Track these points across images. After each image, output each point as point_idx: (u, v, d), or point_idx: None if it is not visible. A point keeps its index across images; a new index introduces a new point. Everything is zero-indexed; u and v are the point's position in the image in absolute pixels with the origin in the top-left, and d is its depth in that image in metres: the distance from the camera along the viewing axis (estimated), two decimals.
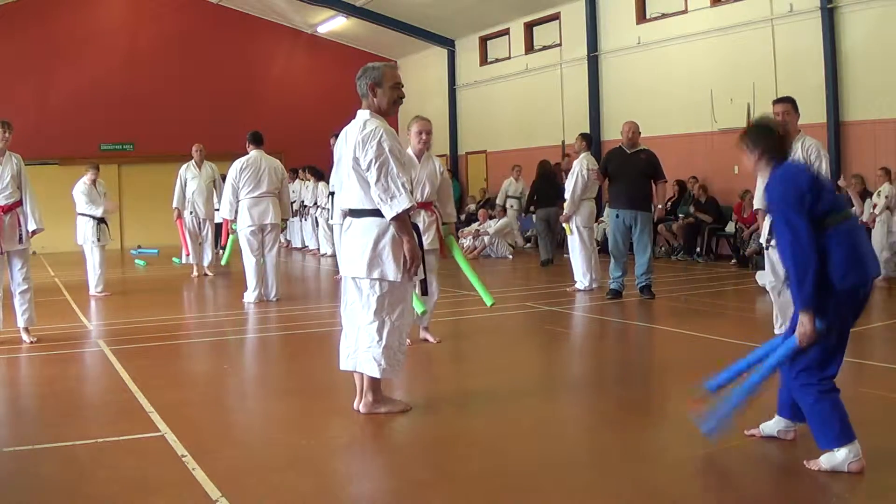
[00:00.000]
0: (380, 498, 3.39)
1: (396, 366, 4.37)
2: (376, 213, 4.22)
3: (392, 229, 4.22)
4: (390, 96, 4.33)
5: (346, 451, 4.04)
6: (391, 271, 4.23)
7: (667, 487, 3.33)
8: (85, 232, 10.01)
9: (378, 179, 4.13)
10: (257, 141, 9.22)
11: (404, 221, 4.22)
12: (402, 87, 4.42)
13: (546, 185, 13.24)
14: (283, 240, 18.20)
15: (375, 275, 4.24)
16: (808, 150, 5.74)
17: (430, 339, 6.40)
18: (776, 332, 5.93)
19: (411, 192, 4.24)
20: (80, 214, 10.05)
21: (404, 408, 4.45)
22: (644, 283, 8.72)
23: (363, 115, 4.31)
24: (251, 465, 3.66)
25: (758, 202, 6.20)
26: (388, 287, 4.28)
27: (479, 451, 3.92)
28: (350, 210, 4.36)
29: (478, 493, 3.33)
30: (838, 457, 3.28)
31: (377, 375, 4.33)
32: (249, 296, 9.01)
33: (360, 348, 4.34)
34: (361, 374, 4.39)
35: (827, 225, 3.30)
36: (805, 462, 3.40)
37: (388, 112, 4.38)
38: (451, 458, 3.84)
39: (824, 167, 5.65)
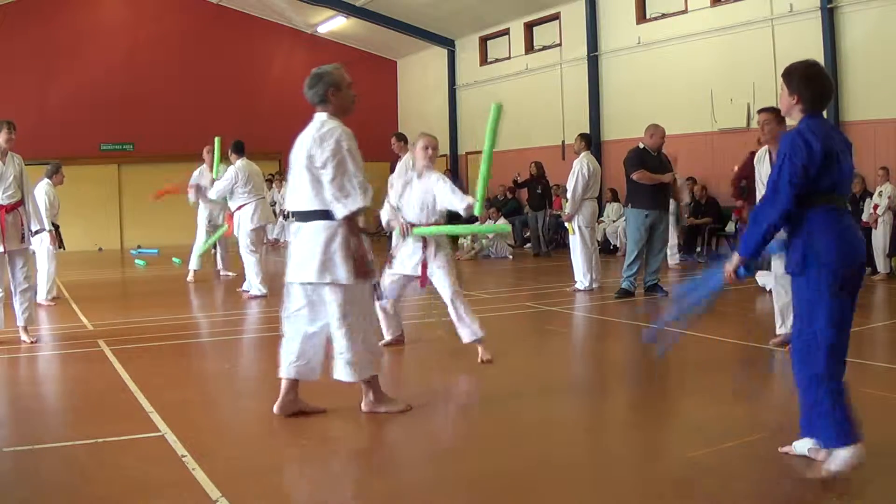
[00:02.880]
0: (380, 498, 3.38)
1: (368, 366, 4.33)
2: (325, 215, 4.15)
3: (342, 232, 4.16)
4: (349, 97, 4.28)
5: (346, 451, 4.04)
6: (343, 274, 4.16)
7: (666, 488, 3.33)
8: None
9: (334, 177, 4.07)
10: (242, 150, 9.52)
11: (355, 223, 4.16)
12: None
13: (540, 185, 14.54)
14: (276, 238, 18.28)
15: (327, 279, 4.16)
16: None
17: (484, 356, 5.73)
18: (778, 332, 5.93)
19: (366, 193, 4.13)
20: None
21: (404, 407, 4.44)
22: (655, 282, 8.82)
23: (321, 116, 4.23)
24: (251, 465, 3.66)
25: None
26: (346, 291, 4.21)
27: (478, 451, 3.92)
28: (297, 213, 4.27)
29: (478, 493, 3.33)
30: (840, 454, 3.22)
31: (353, 379, 4.30)
32: (255, 290, 9.15)
33: (334, 355, 4.29)
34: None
35: (823, 202, 3.25)
36: (783, 448, 3.45)
37: (349, 112, 4.29)
38: (451, 458, 3.84)
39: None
